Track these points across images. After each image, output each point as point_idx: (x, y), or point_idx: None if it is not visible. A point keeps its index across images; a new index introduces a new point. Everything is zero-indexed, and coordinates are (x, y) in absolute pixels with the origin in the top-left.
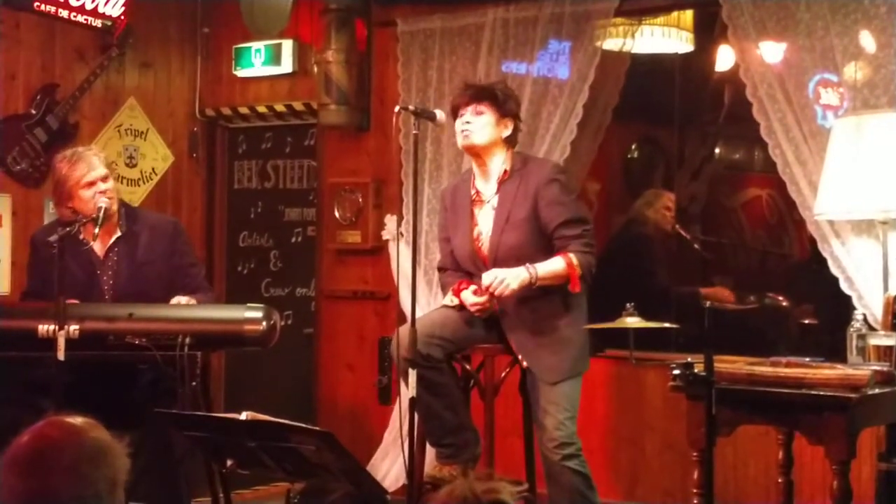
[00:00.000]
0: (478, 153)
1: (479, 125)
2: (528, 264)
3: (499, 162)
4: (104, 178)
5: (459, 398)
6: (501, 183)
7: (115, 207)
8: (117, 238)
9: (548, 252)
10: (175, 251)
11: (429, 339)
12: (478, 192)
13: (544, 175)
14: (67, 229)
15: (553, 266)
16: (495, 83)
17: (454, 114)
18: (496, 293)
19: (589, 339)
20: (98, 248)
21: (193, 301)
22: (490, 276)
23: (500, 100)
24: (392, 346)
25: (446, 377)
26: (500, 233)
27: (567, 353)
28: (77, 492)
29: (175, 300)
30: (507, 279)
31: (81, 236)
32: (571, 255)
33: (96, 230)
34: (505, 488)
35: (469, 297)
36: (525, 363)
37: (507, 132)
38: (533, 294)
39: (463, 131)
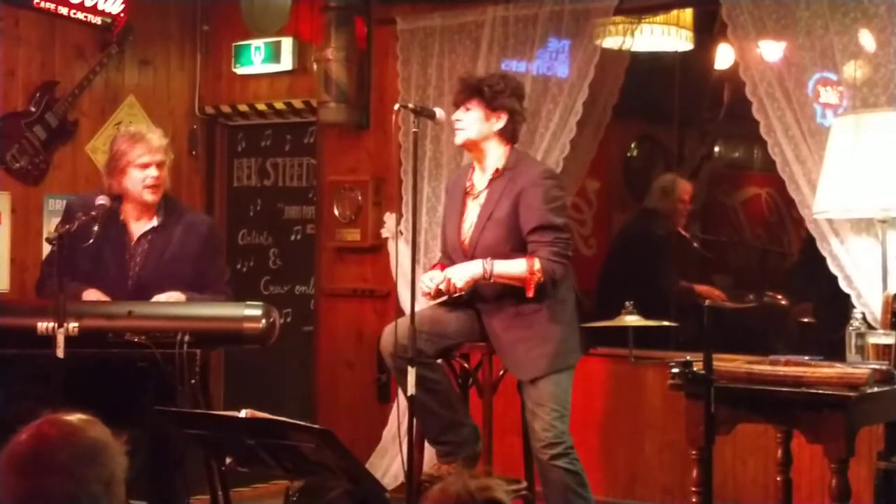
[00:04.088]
0: (470, 148)
1: (467, 122)
2: (487, 259)
3: (494, 157)
4: (160, 164)
5: (455, 395)
6: (492, 180)
7: (159, 196)
8: (152, 228)
9: (524, 253)
10: (204, 253)
11: (418, 334)
12: (472, 185)
13: (531, 177)
14: (67, 227)
15: (513, 267)
16: (487, 77)
17: (456, 108)
18: (447, 292)
19: (575, 336)
20: (133, 231)
21: (181, 297)
22: (440, 278)
23: (487, 95)
24: (382, 343)
25: (439, 374)
26: (481, 229)
27: (543, 349)
28: (71, 492)
29: (155, 298)
30: (454, 277)
31: (121, 217)
32: (536, 261)
33: (95, 227)
34: (500, 486)
35: (424, 280)
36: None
37: (500, 125)
38: (513, 295)
39: (455, 129)
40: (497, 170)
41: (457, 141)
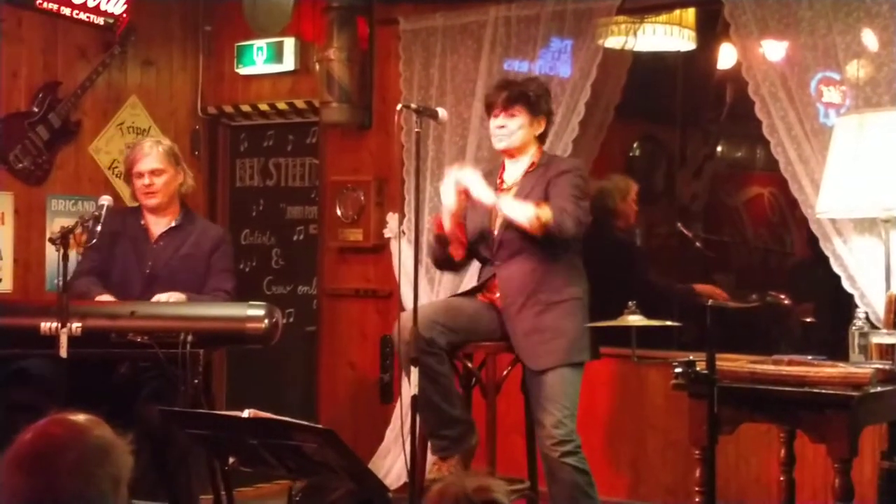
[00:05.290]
0: (511, 154)
1: (512, 128)
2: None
3: (528, 155)
4: (154, 172)
5: (456, 392)
6: (527, 173)
7: (161, 200)
8: (170, 228)
9: (549, 245)
10: (213, 253)
11: (433, 324)
12: (502, 181)
13: (564, 166)
14: (69, 227)
15: (522, 207)
16: (527, 82)
17: (488, 110)
18: (459, 180)
19: (587, 337)
20: (154, 230)
21: (182, 297)
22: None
23: (532, 101)
24: (394, 333)
25: (446, 367)
26: None
27: (557, 342)
28: (81, 491)
29: (156, 298)
30: (475, 185)
31: (142, 220)
32: (546, 209)
33: (98, 227)
34: (499, 486)
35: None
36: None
37: (541, 130)
38: (533, 284)
39: (497, 135)
40: (533, 163)
41: (498, 146)
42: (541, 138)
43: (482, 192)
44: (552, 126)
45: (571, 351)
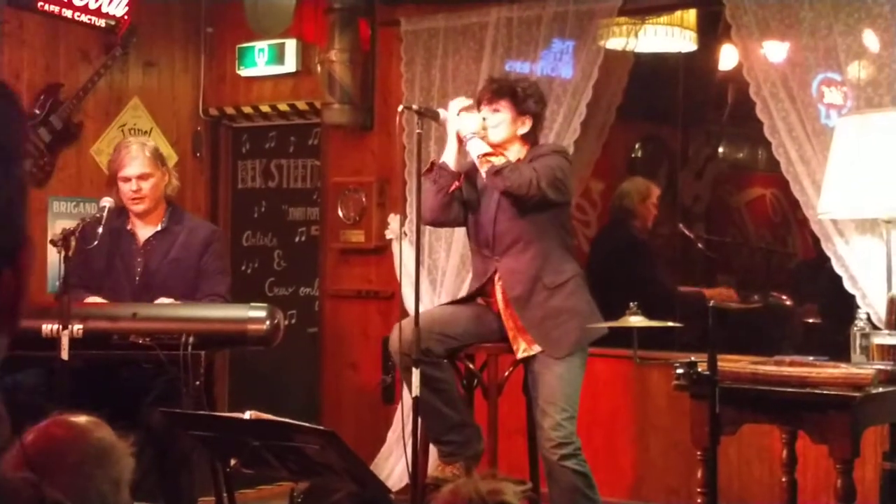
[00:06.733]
0: (493, 147)
1: (494, 122)
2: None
3: (514, 155)
4: (141, 177)
5: (460, 396)
6: None
7: (148, 206)
8: (157, 232)
9: (544, 228)
10: (205, 254)
11: (428, 334)
12: None
13: (550, 149)
14: (71, 228)
15: (483, 148)
16: (518, 80)
17: (478, 105)
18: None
19: (597, 311)
20: (140, 236)
21: (176, 302)
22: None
23: (519, 97)
24: (391, 341)
25: (446, 373)
26: (498, 202)
27: (573, 323)
28: (81, 492)
29: (159, 301)
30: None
31: (128, 226)
32: (503, 159)
33: (99, 229)
34: (509, 489)
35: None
36: (535, 345)
37: (524, 129)
38: (535, 270)
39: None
40: (519, 159)
41: None
42: (526, 138)
43: (463, 124)
44: (540, 129)
45: (588, 330)
